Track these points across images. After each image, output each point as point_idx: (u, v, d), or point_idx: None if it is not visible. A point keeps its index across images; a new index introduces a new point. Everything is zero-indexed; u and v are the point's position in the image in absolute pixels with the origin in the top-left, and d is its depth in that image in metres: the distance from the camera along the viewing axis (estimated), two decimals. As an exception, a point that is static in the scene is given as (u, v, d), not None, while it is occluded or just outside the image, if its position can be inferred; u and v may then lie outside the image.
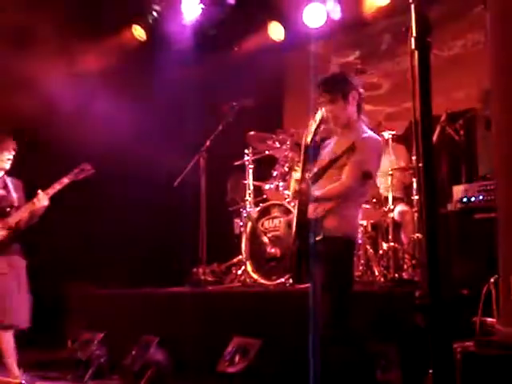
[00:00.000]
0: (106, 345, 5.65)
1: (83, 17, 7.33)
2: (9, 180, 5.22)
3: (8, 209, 5.09)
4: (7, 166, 5.19)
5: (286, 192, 5.68)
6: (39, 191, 5.01)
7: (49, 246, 8.15)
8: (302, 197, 3.65)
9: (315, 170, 3.73)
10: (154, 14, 7.91)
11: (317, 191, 3.66)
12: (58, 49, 7.59)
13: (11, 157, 5.19)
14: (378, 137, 3.87)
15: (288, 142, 5.97)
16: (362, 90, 3.86)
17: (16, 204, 5.11)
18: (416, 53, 2.11)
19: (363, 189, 3.76)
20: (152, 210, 7.56)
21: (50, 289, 8.30)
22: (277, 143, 6.10)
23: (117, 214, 7.58)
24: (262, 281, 5.61)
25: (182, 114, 7.78)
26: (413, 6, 2.14)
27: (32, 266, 8.24)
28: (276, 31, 7.77)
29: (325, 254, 3.57)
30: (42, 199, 5.00)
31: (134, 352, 5.32)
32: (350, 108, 3.80)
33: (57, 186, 5.05)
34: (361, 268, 5.35)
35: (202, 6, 7.58)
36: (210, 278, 6.10)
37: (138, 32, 7.94)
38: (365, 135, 3.74)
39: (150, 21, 7.93)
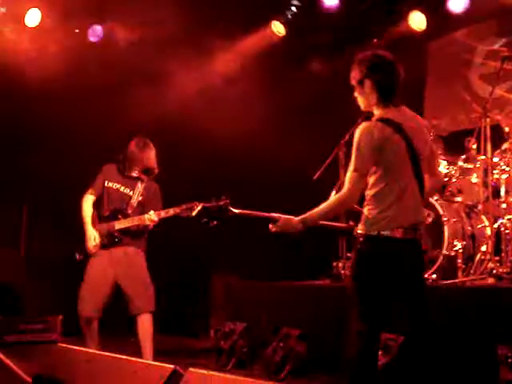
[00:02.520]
0: (247, 335, 5.78)
1: (222, 16, 7.53)
2: (146, 183, 5.43)
3: (128, 211, 5.32)
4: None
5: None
6: (151, 212, 5.15)
7: (194, 237, 8.49)
8: None
9: None
10: (293, 8, 7.97)
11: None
12: (199, 48, 7.88)
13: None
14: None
15: (431, 134, 5.78)
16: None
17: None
18: None
19: None
20: (293, 202, 7.63)
21: (195, 280, 8.66)
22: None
23: (260, 205, 7.74)
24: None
25: (320, 109, 7.78)
26: None
27: (179, 257, 8.70)
28: (417, 20, 7.56)
29: None
30: (151, 218, 5.14)
31: (274, 343, 5.40)
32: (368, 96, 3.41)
33: (166, 213, 5.17)
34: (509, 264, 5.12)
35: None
36: (349, 272, 6.05)
37: (277, 28, 8.03)
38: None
39: (289, 16, 8.00)
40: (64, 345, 2.73)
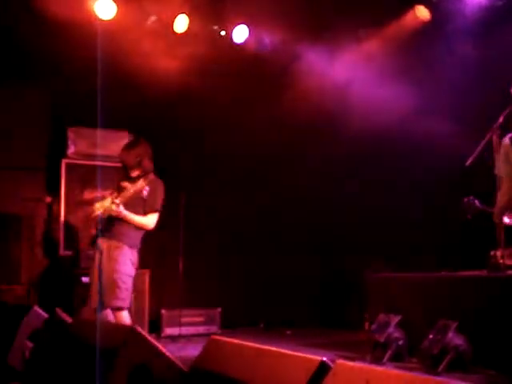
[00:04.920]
0: (403, 328, 5.68)
1: (365, 2, 7.47)
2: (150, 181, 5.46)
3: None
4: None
5: None
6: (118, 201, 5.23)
7: (348, 227, 8.50)
8: None
9: None
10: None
11: None
12: (347, 35, 7.88)
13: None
14: None
15: None
16: None
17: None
18: None
19: None
20: (443, 190, 7.44)
21: (347, 271, 8.67)
22: None
23: (412, 195, 7.63)
24: None
25: (471, 92, 7.49)
26: None
27: (333, 250, 8.75)
28: None
29: None
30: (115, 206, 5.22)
31: (431, 336, 5.26)
32: None
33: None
34: None
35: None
36: (509, 262, 5.77)
37: (422, 12, 7.82)
38: None
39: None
40: (219, 337, 2.82)
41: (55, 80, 7.45)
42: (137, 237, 5.49)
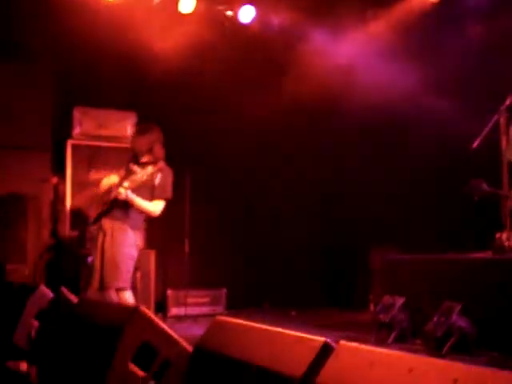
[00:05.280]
0: (407, 309, 5.69)
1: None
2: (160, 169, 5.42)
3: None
4: None
5: None
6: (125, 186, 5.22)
7: (352, 211, 8.51)
8: None
9: None
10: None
11: None
12: (353, 16, 7.83)
13: None
14: None
15: None
16: None
17: None
18: None
19: None
20: (449, 172, 7.42)
21: (353, 252, 8.69)
22: None
23: (418, 178, 7.63)
24: None
25: (478, 73, 7.44)
26: None
27: (337, 232, 8.77)
28: None
29: None
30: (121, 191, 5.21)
31: (435, 318, 5.27)
32: None
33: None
34: None
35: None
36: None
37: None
38: None
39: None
40: (223, 318, 2.83)
41: (61, 59, 7.43)
42: (139, 219, 5.49)
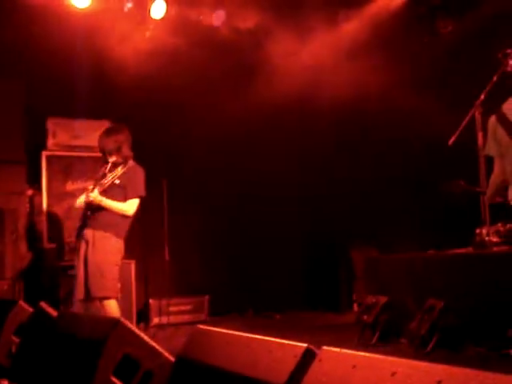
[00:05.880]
0: (390, 308, 5.69)
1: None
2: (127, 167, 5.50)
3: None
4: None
5: None
6: (95, 190, 5.32)
7: (330, 212, 8.51)
8: None
9: None
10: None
11: None
12: (323, 18, 7.84)
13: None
14: None
15: None
16: None
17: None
18: None
19: None
20: (427, 169, 7.45)
21: (334, 253, 8.69)
22: None
23: (396, 175, 7.64)
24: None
25: (451, 69, 7.48)
26: None
27: (316, 232, 8.76)
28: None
29: None
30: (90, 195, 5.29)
31: (419, 316, 5.28)
32: None
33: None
34: None
35: None
36: (494, 239, 5.78)
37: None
38: None
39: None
40: (203, 326, 2.79)
41: (32, 71, 7.35)
42: (123, 225, 5.46)
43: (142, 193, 5.48)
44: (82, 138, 7.52)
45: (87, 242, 5.33)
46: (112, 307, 5.27)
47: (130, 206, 5.42)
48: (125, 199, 5.41)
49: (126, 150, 5.52)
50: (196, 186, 8.40)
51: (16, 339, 4.35)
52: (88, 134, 7.52)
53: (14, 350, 4.31)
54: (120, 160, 5.48)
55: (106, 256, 5.29)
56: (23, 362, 4.08)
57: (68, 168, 7.50)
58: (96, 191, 5.27)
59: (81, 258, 5.34)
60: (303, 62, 7.92)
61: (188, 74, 7.82)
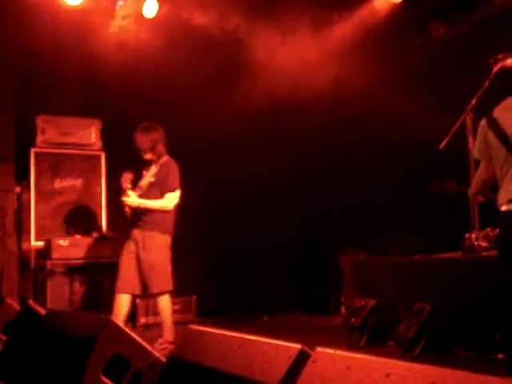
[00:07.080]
0: (379, 311, 5.70)
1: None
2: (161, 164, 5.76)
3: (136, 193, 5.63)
4: None
5: None
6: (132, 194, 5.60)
7: (322, 212, 8.50)
8: None
9: None
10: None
11: None
12: (311, 20, 7.84)
13: None
14: None
15: None
16: None
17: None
18: None
19: None
20: (416, 173, 7.47)
21: (323, 256, 8.68)
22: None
23: (386, 178, 7.65)
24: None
25: (441, 74, 7.51)
26: None
27: (306, 236, 8.75)
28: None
29: None
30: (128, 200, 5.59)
31: (407, 319, 5.29)
32: None
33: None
34: None
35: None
36: (484, 244, 5.80)
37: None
38: None
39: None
40: (195, 327, 2.78)
41: (22, 67, 7.30)
42: (167, 220, 5.72)
43: (177, 185, 5.73)
44: (71, 136, 7.49)
45: (137, 242, 5.64)
46: (165, 302, 5.69)
47: (168, 201, 5.67)
48: (162, 195, 5.64)
49: (160, 148, 5.78)
50: (184, 187, 8.35)
51: (3, 337, 4.32)
52: (77, 131, 7.49)
53: (0, 348, 4.28)
54: (154, 158, 5.74)
55: (156, 254, 5.61)
56: (10, 360, 4.05)
57: (57, 165, 7.47)
58: (133, 195, 5.54)
59: (131, 256, 5.63)
60: (298, 63, 7.90)
61: (179, 72, 7.77)
